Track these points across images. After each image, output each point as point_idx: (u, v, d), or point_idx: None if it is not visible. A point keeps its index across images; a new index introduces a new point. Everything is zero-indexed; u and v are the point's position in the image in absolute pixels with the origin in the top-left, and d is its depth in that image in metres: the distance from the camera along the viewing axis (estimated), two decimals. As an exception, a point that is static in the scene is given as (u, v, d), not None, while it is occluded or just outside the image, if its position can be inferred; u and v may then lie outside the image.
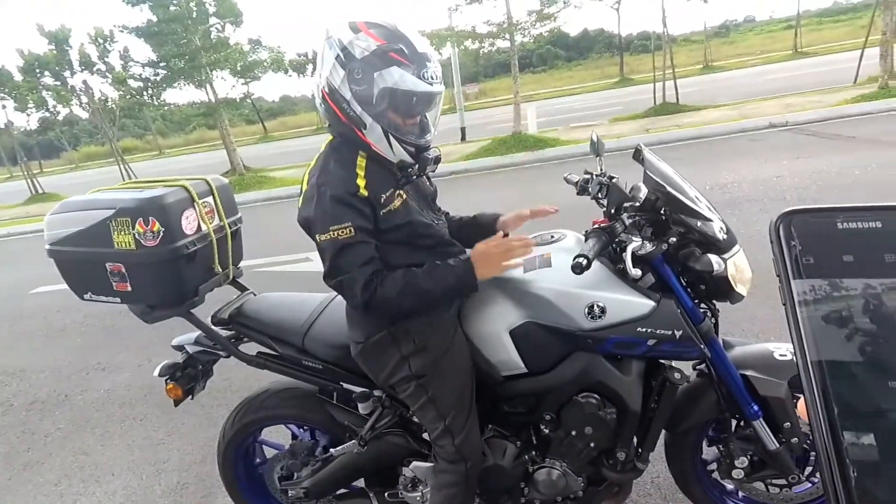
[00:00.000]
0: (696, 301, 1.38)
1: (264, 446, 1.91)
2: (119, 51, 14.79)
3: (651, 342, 1.33)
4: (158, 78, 12.44)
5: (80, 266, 1.49)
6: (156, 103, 14.52)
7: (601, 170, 1.57)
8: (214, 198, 1.61)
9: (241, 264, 1.78)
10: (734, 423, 1.54)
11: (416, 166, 1.34)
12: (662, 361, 1.46)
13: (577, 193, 1.62)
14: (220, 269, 1.62)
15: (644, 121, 11.45)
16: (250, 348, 1.65)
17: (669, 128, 9.81)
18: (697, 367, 1.55)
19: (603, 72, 32.48)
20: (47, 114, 18.02)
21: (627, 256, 1.24)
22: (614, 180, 1.52)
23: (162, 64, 11.90)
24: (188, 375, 1.66)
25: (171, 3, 10.99)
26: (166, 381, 1.63)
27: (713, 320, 1.41)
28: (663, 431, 1.56)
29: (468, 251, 1.35)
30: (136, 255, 1.41)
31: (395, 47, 1.25)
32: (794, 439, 1.43)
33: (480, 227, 1.62)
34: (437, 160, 1.37)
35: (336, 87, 1.29)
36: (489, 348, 1.45)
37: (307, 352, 1.55)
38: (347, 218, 1.25)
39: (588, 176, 1.60)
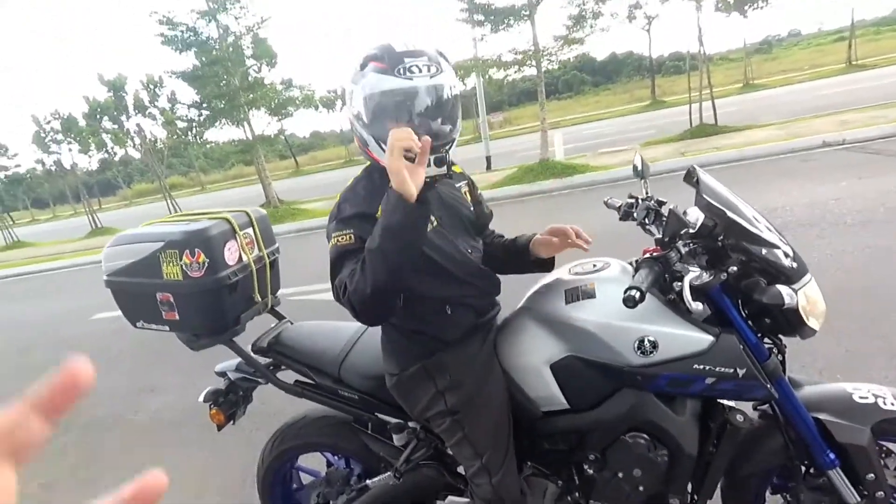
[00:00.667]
0: (760, 336, 1.27)
1: (302, 472, 1.94)
2: (167, 95, 15.85)
3: (710, 380, 1.23)
4: (201, 118, 13.23)
5: (133, 296, 1.58)
6: (199, 142, 15.40)
7: (647, 193, 1.47)
8: (254, 229, 1.69)
9: (279, 293, 1.84)
10: (803, 469, 1.39)
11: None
12: (722, 401, 1.35)
13: (620, 219, 1.50)
14: (260, 298, 1.68)
15: (679, 144, 11.09)
16: (288, 375, 1.69)
17: (707, 150, 9.45)
18: (759, 407, 1.41)
19: (632, 95, 32.15)
20: (106, 155, 19.29)
21: (685, 289, 1.14)
22: (666, 205, 1.41)
23: (204, 105, 12.63)
24: (230, 401, 1.72)
25: (214, 48, 11.71)
26: (210, 406, 1.70)
27: (779, 357, 1.29)
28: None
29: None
30: (182, 286, 1.48)
31: (371, 55, 1.23)
32: (880, 493, 1.28)
33: (515, 249, 1.54)
34: (441, 161, 1.14)
35: (350, 118, 1.31)
36: (528, 383, 1.38)
37: (343, 381, 1.57)
38: (351, 227, 1.21)
39: (633, 200, 1.49)
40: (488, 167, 13.57)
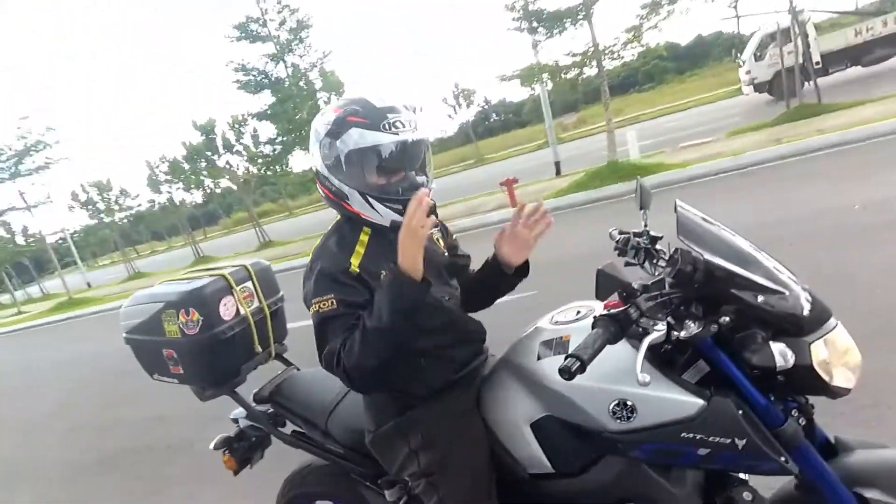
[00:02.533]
0: (779, 396, 1.06)
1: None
2: (250, 132, 17.38)
3: (703, 451, 1.04)
4: (275, 152, 14.28)
5: (146, 352, 1.69)
6: (279, 172, 16.59)
7: (644, 226, 1.32)
8: (253, 282, 1.76)
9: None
10: None
11: None
12: (733, 473, 1.17)
13: (618, 255, 1.38)
14: (261, 349, 1.75)
15: (773, 129, 9.98)
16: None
17: (808, 134, 8.40)
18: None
19: (721, 80, 29.72)
20: (207, 190, 21.42)
21: (640, 355, 0.96)
22: (658, 244, 1.27)
23: (278, 140, 13.64)
24: (242, 448, 1.77)
25: (284, 87, 12.61)
26: (223, 452, 1.78)
27: (802, 421, 1.06)
28: None
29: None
30: (181, 343, 1.58)
31: (350, 110, 1.24)
32: None
33: (488, 270, 1.47)
34: (432, 211, 1.19)
35: (318, 169, 1.32)
36: (510, 441, 1.28)
37: (329, 434, 1.57)
38: (332, 291, 1.21)
39: (627, 235, 1.35)
40: (557, 173, 13.25)
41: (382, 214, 1.27)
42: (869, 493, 1.02)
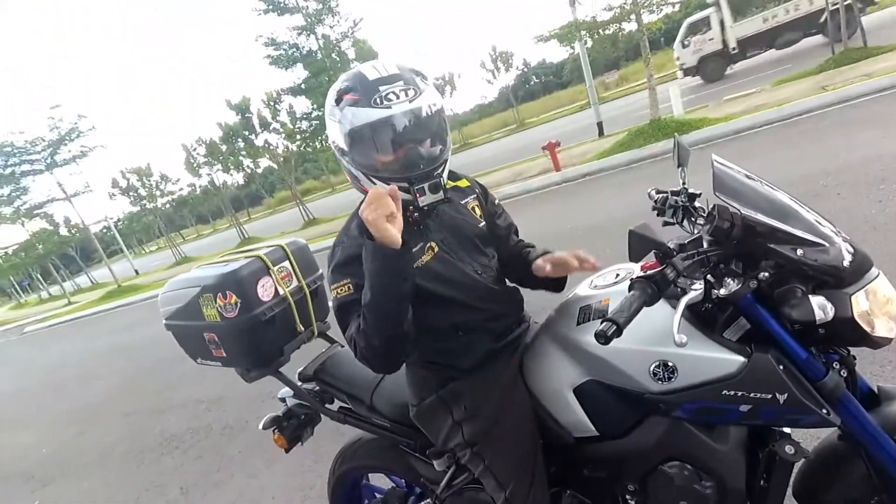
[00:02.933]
0: (820, 349, 1.05)
1: (373, 489, 1.97)
2: (286, 109, 17.31)
3: (745, 408, 1.05)
4: (311, 128, 14.22)
5: (187, 337, 1.70)
6: (316, 149, 16.58)
7: (683, 184, 1.28)
8: (291, 262, 1.72)
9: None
10: None
11: (419, 202, 1.17)
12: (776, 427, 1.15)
13: (657, 216, 1.34)
14: (303, 328, 1.72)
15: (819, 77, 9.57)
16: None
17: (854, 80, 8.03)
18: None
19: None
20: (248, 170, 21.75)
21: (677, 315, 0.96)
22: (697, 201, 1.23)
23: (314, 115, 13.54)
24: (292, 426, 1.79)
25: (316, 59, 12.45)
26: (273, 431, 1.78)
27: (843, 373, 1.06)
28: None
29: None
30: (221, 327, 1.56)
31: (344, 87, 1.18)
32: None
33: (525, 265, 1.41)
34: (436, 188, 1.17)
35: (336, 154, 1.27)
36: (555, 407, 1.29)
37: (375, 409, 1.56)
38: (349, 276, 1.18)
39: (665, 194, 1.31)
40: (600, 133, 12.91)
41: None
42: None
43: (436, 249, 1.27)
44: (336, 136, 1.22)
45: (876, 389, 1.14)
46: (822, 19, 14.38)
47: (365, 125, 1.15)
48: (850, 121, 6.43)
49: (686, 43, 17.85)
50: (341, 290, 1.19)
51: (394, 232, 1.06)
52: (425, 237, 1.27)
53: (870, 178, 4.27)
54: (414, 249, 1.22)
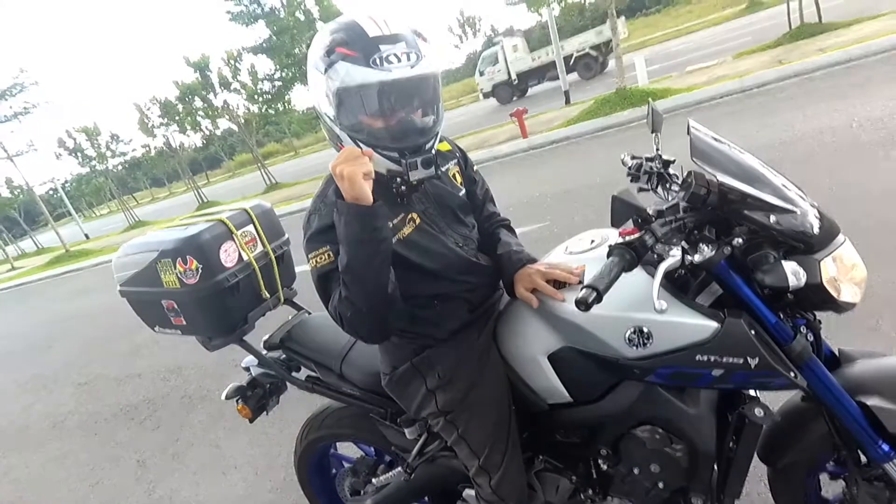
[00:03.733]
0: (788, 314, 1.08)
1: (340, 459, 1.96)
2: (248, 68, 16.51)
3: (717, 372, 1.06)
4: (274, 89, 13.63)
5: (144, 304, 1.60)
6: (278, 112, 15.98)
7: (656, 150, 1.28)
8: (255, 226, 1.64)
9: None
10: (861, 458, 1.19)
11: (410, 176, 1.11)
12: (745, 391, 1.19)
13: (631, 182, 1.33)
14: (268, 295, 1.65)
15: (777, 50, 9.93)
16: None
17: (809, 54, 8.31)
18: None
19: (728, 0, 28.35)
20: (206, 131, 20.76)
21: (656, 281, 0.96)
22: (671, 168, 1.23)
23: (277, 76, 12.96)
24: (257, 395, 1.73)
25: (280, 17, 11.85)
26: (236, 401, 1.73)
27: (809, 336, 1.09)
28: (764, 466, 1.29)
29: None
30: (181, 293, 1.48)
31: (338, 38, 1.06)
32: None
33: (498, 263, 1.36)
34: (428, 163, 1.10)
35: (317, 108, 1.16)
36: (529, 374, 1.28)
37: (345, 377, 1.53)
38: (327, 243, 1.13)
39: (639, 160, 1.30)
40: (567, 101, 12.96)
41: (376, 161, 1.11)
42: (871, 401, 1.07)
43: (417, 221, 1.22)
44: (320, 89, 1.11)
45: (837, 352, 1.19)
46: (572, 62, 19.36)
47: (359, 86, 1.05)
48: (804, 93, 6.65)
49: (482, 72, 22.54)
50: (321, 258, 1.14)
51: (367, 189, 1.02)
52: (407, 208, 1.21)
53: (823, 150, 4.44)
54: (395, 221, 1.18)
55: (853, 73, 6.74)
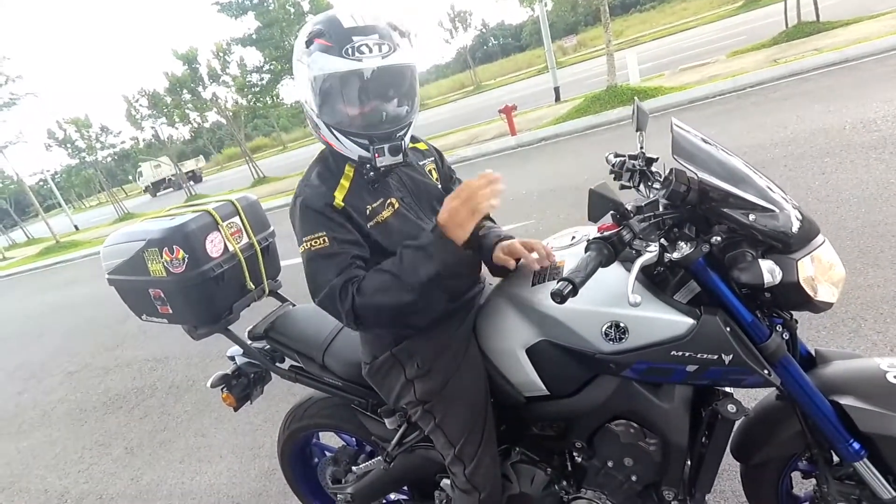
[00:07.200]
0: (765, 312, 1.09)
1: (322, 448, 2.00)
2: (237, 61, 16.38)
3: (691, 368, 1.08)
4: (263, 82, 13.54)
5: (131, 292, 1.63)
6: (267, 105, 15.87)
7: (641, 148, 1.30)
8: (241, 218, 1.68)
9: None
10: (833, 457, 1.20)
11: (377, 162, 1.18)
12: (719, 387, 1.21)
13: (614, 179, 1.35)
14: (254, 286, 1.69)
15: (772, 50, 9.91)
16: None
17: (805, 54, 8.32)
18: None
19: (725, -3, 28.50)
20: (194, 124, 20.60)
21: (631, 276, 0.96)
22: (654, 166, 1.25)
23: (266, 68, 12.89)
24: (241, 384, 1.77)
25: (269, 9, 11.77)
26: (221, 390, 1.77)
27: (785, 335, 1.10)
28: (737, 464, 1.33)
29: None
30: (167, 282, 1.51)
31: (316, 30, 1.13)
32: None
33: (480, 245, 1.40)
34: (396, 150, 1.17)
35: (299, 97, 1.23)
36: (507, 367, 1.31)
37: (327, 368, 1.56)
38: (322, 228, 1.16)
39: (623, 158, 1.33)
40: (557, 99, 12.96)
41: (349, 148, 1.19)
42: (844, 400, 1.08)
43: (396, 206, 1.26)
44: (302, 79, 1.18)
45: (813, 352, 1.20)
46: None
47: (331, 75, 1.11)
48: (798, 94, 6.67)
49: (140, 174, 35.20)
50: (315, 242, 1.16)
51: (468, 228, 1.09)
52: (386, 193, 1.26)
53: (815, 151, 4.46)
54: (374, 205, 1.22)
55: (848, 73, 6.73)
